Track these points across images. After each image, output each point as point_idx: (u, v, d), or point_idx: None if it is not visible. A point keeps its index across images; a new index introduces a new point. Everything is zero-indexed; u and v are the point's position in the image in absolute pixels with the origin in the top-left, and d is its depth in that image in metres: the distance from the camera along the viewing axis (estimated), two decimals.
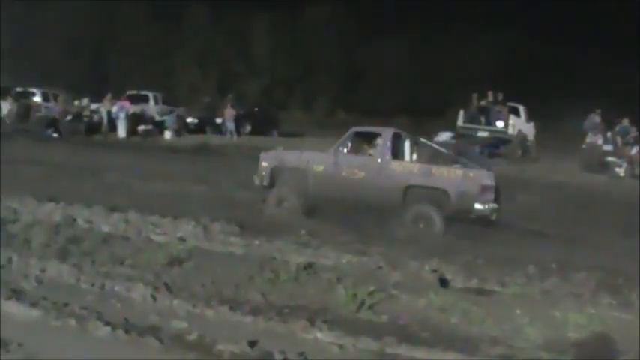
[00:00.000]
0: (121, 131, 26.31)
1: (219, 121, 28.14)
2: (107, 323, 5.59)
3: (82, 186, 12.69)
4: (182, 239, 8.55)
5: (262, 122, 28.93)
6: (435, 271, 7.50)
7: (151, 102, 29.42)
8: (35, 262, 7.25)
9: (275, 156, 12.16)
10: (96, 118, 26.99)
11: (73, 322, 5.66)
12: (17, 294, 6.25)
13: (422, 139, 12.56)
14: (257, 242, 8.55)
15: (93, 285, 6.69)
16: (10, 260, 7.33)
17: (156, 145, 24.75)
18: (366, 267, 7.67)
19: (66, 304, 6.01)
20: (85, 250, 7.82)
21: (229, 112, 27.30)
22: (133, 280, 6.81)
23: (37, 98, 26.90)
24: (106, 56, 42.89)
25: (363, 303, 6.44)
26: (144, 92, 29.77)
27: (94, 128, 26.47)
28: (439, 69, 40.98)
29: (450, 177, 10.98)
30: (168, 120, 27.63)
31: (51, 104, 27.03)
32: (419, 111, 35.47)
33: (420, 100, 38.36)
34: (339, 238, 9.09)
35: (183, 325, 5.81)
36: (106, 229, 8.85)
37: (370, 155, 11.68)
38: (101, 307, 6.08)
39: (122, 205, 10.19)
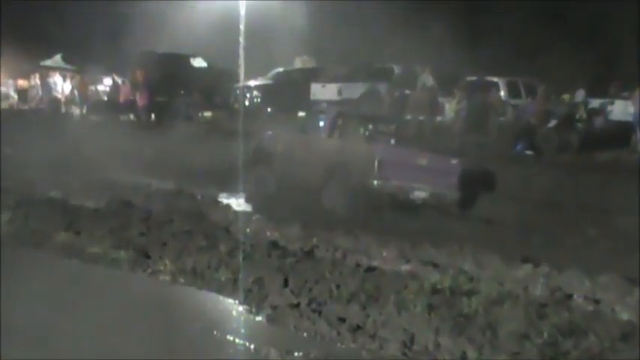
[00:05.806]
0: None
1: None
2: None
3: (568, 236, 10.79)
4: None
5: None
6: None
7: None
8: None
9: None
10: (597, 123, 22.28)
11: None
12: None
13: None
14: None
15: None
16: (463, 357, 5.42)
17: None
18: None
19: None
20: (590, 349, 5.64)
21: None
22: None
23: (501, 93, 23.61)
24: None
25: None
26: None
27: (594, 140, 20.04)
28: None
29: None
30: None
31: (522, 102, 23.92)
32: None
33: None
34: None
35: None
36: (624, 315, 6.48)
37: None
38: None
39: None
